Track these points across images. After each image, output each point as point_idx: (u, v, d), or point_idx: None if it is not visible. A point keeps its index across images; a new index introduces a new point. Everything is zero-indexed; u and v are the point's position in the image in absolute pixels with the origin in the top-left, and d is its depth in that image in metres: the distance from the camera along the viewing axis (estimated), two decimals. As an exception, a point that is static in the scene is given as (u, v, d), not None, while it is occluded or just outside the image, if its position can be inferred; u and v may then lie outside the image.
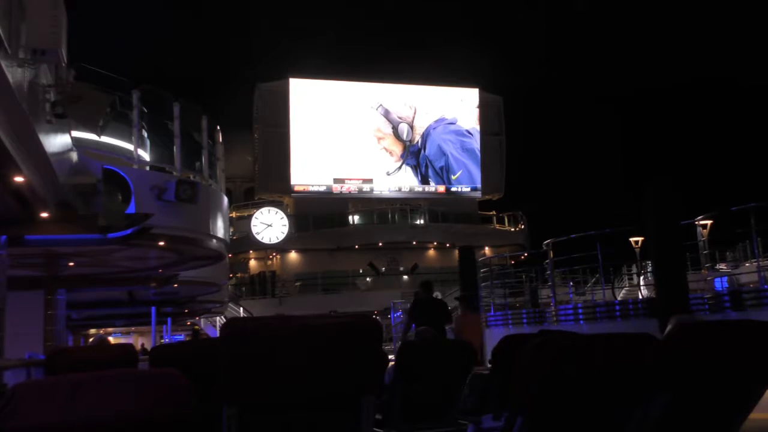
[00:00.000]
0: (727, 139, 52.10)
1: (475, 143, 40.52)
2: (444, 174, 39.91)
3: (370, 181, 38.80)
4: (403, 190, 39.39)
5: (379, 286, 35.81)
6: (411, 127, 39.51)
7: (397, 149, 39.38)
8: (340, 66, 41.02)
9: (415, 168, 39.63)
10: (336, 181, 38.20)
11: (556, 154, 57.61)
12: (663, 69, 59.36)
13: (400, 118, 39.45)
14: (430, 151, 39.76)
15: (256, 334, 2.59)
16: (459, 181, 40.25)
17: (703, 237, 14.96)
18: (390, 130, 39.30)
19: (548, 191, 53.82)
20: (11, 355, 8.13)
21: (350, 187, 38.47)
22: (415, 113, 39.60)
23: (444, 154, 39.94)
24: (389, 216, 39.57)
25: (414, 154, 39.61)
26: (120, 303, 18.52)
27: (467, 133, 40.43)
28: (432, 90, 40.25)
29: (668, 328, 2.83)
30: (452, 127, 40.22)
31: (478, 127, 40.74)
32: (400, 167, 39.26)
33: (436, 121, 39.93)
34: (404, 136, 39.43)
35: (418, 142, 39.64)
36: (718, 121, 53.67)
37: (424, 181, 39.72)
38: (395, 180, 39.20)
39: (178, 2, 55.01)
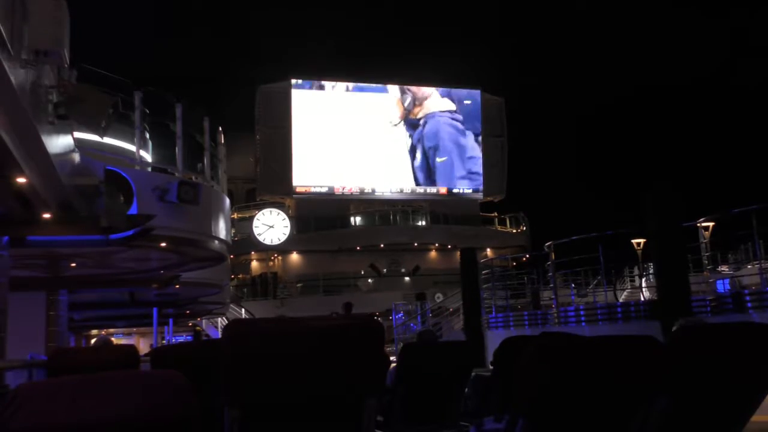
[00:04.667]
0: (730, 140, 52.09)
1: (466, 142, 40.16)
2: (431, 154, 39.54)
3: (371, 182, 38.79)
4: (404, 191, 39.38)
5: (380, 287, 35.81)
6: (416, 100, 39.43)
7: (398, 112, 39.32)
8: (342, 67, 41.08)
9: (410, 137, 39.53)
10: (338, 182, 38.19)
11: (558, 155, 57.64)
12: (665, 69, 59.32)
13: (409, 89, 39.55)
14: (428, 130, 39.59)
15: (257, 336, 2.59)
16: (445, 170, 39.68)
17: (704, 239, 14.95)
18: (398, 94, 39.55)
19: (550, 193, 53.85)
20: (13, 356, 8.13)
21: (352, 188, 38.47)
22: (424, 99, 39.67)
23: (438, 137, 39.75)
24: (391, 217, 39.58)
25: (412, 126, 39.48)
26: (121, 304, 18.52)
27: (462, 131, 40.21)
28: (434, 90, 40.25)
29: (674, 329, 2.83)
30: (454, 122, 40.12)
31: (470, 128, 40.48)
32: (397, 125, 39.19)
33: (443, 112, 39.90)
34: (406, 104, 39.35)
35: (420, 119, 39.53)
36: (720, 122, 53.66)
37: (413, 150, 39.43)
38: (396, 181, 39.15)
39: (181, 4, 55.10)
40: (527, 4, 60.30)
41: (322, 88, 38.46)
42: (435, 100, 39.99)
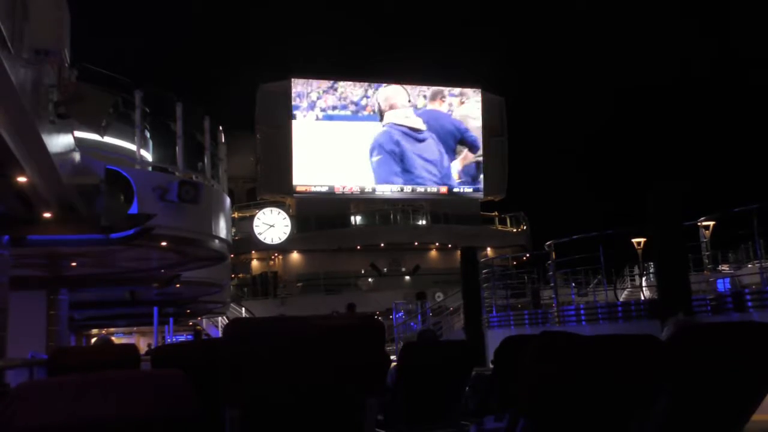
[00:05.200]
0: (731, 140, 52.08)
1: (406, 149, 39.37)
2: (370, 154, 38.96)
3: (372, 182, 38.76)
4: (405, 190, 39.38)
5: (381, 286, 35.80)
6: (381, 111, 39.09)
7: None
8: (342, 66, 41.04)
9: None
10: (338, 181, 38.13)
11: (559, 154, 57.63)
12: (667, 67, 59.32)
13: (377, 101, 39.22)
14: (377, 136, 39.12)
15: (258, 335, 2.59)
16: (379, 167, 38.85)
17: (705, 238, 14.94)
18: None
19: (550, 192, 53.87)
20: (14, 355, 8.13)
21: (352, 187, 38.47)
22: (386, 110, 39.23)
23: (378, 141, 39.01)
24: (391, 217, 39.55)
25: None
26: (122, 303, 18.53)
27: (396, 142, 39.33)
28: (405, 105, 40.10)
29: (665, 329, 2.82)
30: (403, 135, 39.32)
31: (443, 146, 39.95)
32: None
33: (398, 126, 39.11)
34: (375, 108, 39.14)
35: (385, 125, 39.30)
36: (721, 121, 53.66)
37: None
38: (395, 179, 39.15)
39: (180, 3, 55.09)
40: (528, 3, 60.31)
41: (293, 117, 37.84)
42: (397, 114, 39.29)
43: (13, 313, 8.30)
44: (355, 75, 39.28)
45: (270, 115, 37.42)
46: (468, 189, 40.58)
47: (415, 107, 39.65)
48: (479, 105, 40.85)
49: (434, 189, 39.89)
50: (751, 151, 50.02)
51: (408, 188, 39.38)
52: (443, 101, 40.19)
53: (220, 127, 13.03)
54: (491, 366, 5.56)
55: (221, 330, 28.15)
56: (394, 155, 39.19)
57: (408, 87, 39.74)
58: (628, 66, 62.00)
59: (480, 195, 40.88)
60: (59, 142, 6.96)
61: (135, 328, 32.46)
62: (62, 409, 1.92)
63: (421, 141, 39.52)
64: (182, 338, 28.84)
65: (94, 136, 10.58)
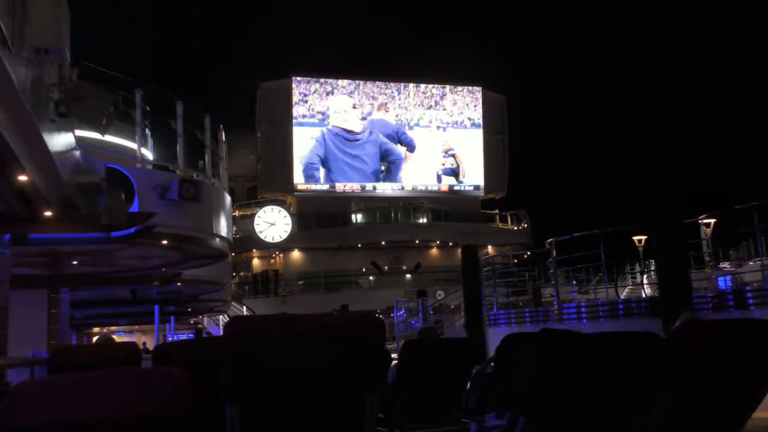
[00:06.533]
0: (732, 137, 52.03)
1: (339, 145, 39.14)
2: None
3: (372, 180, 38.74)
4: (405, 188, 39.37)
5: (381, 285, 35.81)
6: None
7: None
8: (342, 64, 41.02)
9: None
10: (339, 179, 38.12)
11: (559, 152, 57.62)
12: (667, 65, 59.28)
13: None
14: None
15: (259, 333, 2.59)
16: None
17: (706, 235, 14.93)
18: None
19: (551, 190, 53.86)
20: (15, 354, 8.14)
21: (353, 186, 38.46)
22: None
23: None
24: (392, 215, 39.57)
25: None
26: (123, 302, 18.54)
27: (347, 140, 39.30)
28: (432, 88, 40.18)
29: (676, 324, 2.82)
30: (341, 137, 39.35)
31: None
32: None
33: (336, 126, 39.14)
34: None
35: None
36: (723, 118, 53.61)
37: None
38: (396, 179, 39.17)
39: (181, 2, 55.07)
40: (528, 2, 60.27)
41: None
42: (338, 117, 39.23)
43: (14, 311, 8.31)
44: (355, 75, 39.26)
45: (271, 113, 37.42)
46: (469, 187, 40.58)
47: (362, 114, 39.79)
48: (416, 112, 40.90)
49: (435, 187, 39.87)
50: (752, 149, 50.01)
51: (409, 186, 39.37)
52: (387, 111, 40.44)
53: (221, 126, 13.04)
54: (492, 364, 5.56)
55: (222, 328, 28.16)
56: (317, 155, 39.10)
57: (357, 96, 39.74)
58: (631, 61, 61.98)
59: (481, 193, 40.87)
60: (60, 140, 6.96)
61: (136, 327, 32.48)
62: (63, 407, 1.92)
63: (353, 141, 39.57)
64: (183, 336, 28.85)
65: (94, 135, 10.57)
